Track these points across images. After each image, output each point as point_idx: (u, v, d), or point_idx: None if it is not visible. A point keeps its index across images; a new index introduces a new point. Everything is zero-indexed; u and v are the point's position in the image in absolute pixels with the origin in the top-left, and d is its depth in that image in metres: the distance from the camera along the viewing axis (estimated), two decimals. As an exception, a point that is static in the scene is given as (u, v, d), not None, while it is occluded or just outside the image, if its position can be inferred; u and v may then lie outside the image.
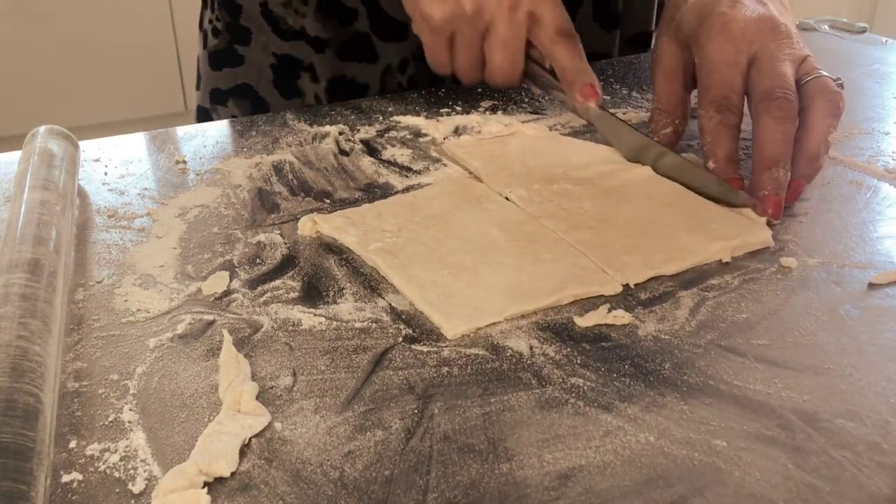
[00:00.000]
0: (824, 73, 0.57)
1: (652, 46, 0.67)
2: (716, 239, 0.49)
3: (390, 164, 0.61)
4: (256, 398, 0.37)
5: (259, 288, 0.46)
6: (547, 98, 0.71)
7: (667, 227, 0.51)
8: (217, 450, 0.34)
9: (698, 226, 0.51)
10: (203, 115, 0.85)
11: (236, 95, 0.81)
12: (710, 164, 0.55)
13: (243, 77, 0.81)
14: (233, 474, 0.33)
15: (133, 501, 0.32)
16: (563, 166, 0.59)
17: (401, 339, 0.42)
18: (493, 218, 0.52)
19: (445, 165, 0.60)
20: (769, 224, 0.51)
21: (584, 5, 0.80)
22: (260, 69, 0.80)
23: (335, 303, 0.45)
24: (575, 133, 0.66)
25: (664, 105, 0.61)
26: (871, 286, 0.46)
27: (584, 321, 0.43)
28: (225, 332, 0.41)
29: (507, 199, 0.54)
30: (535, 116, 0.69)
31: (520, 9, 0.61)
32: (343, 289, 0.46)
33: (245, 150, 0.63)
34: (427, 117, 0.68)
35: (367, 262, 0.48)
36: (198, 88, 0.86)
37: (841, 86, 0.57)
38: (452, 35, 0.64)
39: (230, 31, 0.80)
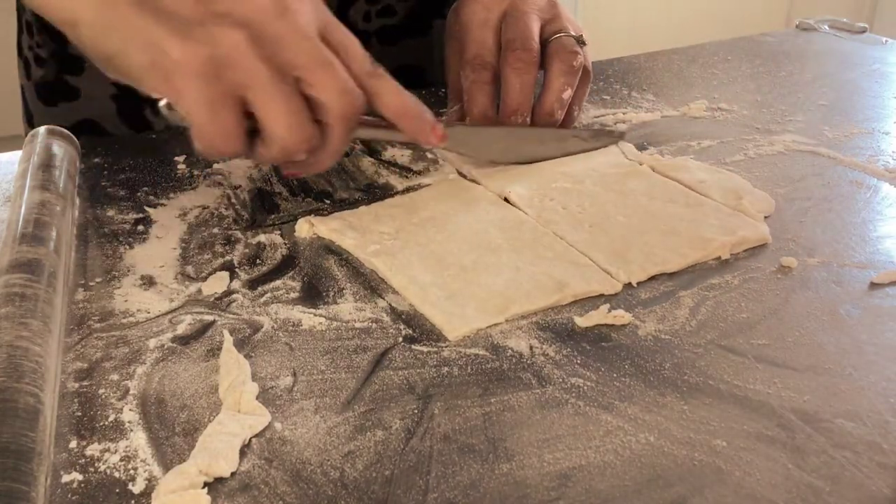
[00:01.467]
0: (570, 32, 0.59)
1: None
2: (714, 236, 0.49)
3: (390, 164, 0.61)
4: (256, 398, 0.37)
5: (259, 288, 0.46)
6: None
7: (665, 225, 0.51)
8: (217, 450, 0.34)
9: (697, 224, 0.51)
10: None
11: (83, 133, 0.67)
12: (467, 121, 0.58)
13: (84, 112, 0.72)
14: (233, 474, 0.33)
15: (133, 501, 0.32)
16: (560, 165, 0.59)
17: (401, 339, 0.42)
18: (491, 219, 0.52)
19: (444, 166, 0.60)
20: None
21: (397, 15, 0.76)
22: (101, 102, 0.71)
23: (335, 303, 0.45)
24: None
25: (449, 91, 0.64)
26: (872, 286, 0.46)
27: (585, 321, 0.43)
28: (225, 333, 0.41)
29: (505, 199, 0.54)
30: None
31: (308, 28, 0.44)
32: (343, 289, 0.46)
33: (245, 150, 0.63)
34: (427, 117, 0.68)
35: (366, 264, 0.48)
36: (30, 125, 0.76)
37: (581, 42, 0.59)
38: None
39: (57, 61, 0.71)
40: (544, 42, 0.58)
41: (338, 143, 0.46)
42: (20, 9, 0.73)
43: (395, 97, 0.48)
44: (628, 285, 0.46)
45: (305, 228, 0.51)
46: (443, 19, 0.74)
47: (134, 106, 0.72)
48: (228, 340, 0.41)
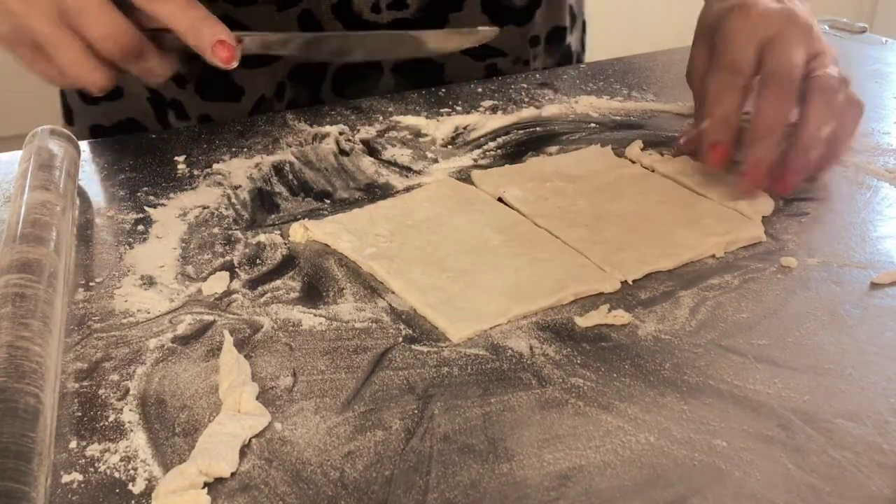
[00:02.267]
0: (832, 72, 0.55)
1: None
2: (709, 234, 0.50)
3: (390, 164, 0.61)
4: (256, 398, 0.37)
5: (259, 288, 0.46)
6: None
7: (660, 223, 0.51)
8: (217, 450, 0.34)
9: (691, 221, 0.51)
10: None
11: (123, 131, 0.74)
12: (704, 124, 0.55)
13: (126, 111, 0.74)
14: (233, 474, 0.33)
15: (133, 501, 0.32)
16: (554, 164, 0.59)
17: (401, 339, 0.42)
18: (486, 219, 0.52)
19: (441, 165, 0.60)
20: (765, 220, 0.52)
21: (410, 8, 0.74)
22: (141, 103, 0.74)
23: (335, 303, 0.45)
24: (573, 136, 0.66)
25: (694, 96, 0.61)
26: (872, 286, 0.46)
27: (585, 321, 0.43)
28: (226, 333, 0.41)
29: (499, 199, 0.54)
30: (535, 113, 0.69)
31: None
32: (343, 289, 0.46)
33: (245, 150, 0.63)
34: (427, 117, 0.68)
35: (363, 267, 0.48)
36: (70, 123, 0.78)
37: (846, 84, 0.56)
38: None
39: None
40: (806, 77, 0.55)
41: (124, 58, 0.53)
42: None
43: (175, 18, 0.53)
44: (628, 285, 0.46)
45: (300, 233, 0.51)
46: (459, 12, 0.75)
47: (160, 111, 0.74)
48: (229, 341, 0.41)
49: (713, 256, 0.49)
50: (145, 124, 0.75)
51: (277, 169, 0.60)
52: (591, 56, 0.88)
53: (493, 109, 0.70)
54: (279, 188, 0.57)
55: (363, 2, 0.72)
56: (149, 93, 0.73)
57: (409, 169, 0.60)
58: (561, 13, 0.83)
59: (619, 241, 0.49)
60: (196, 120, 0.74)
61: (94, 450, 0.35)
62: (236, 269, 0.48)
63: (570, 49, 0.86)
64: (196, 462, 0.33)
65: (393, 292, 0.45)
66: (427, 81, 0.77)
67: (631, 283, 0.46)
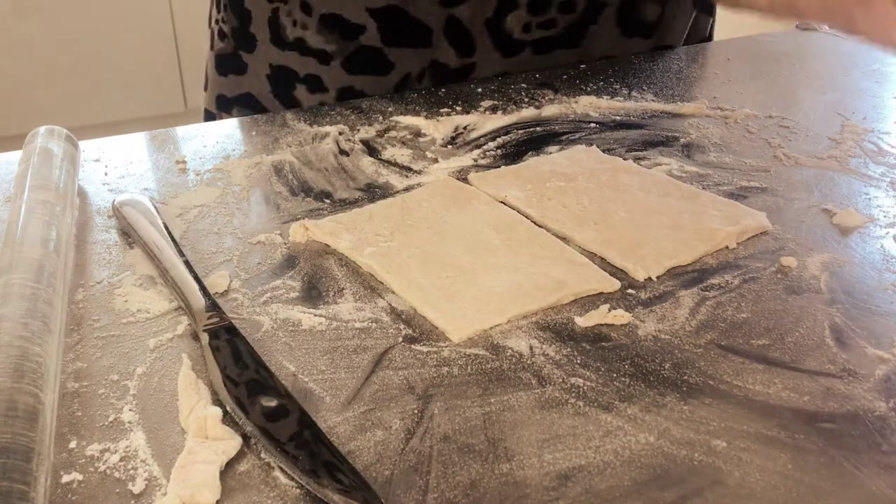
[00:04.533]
0: None
1: None
2: (719, 227, 0.50)
3: (390, 164, 0.61)
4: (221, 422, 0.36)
5: (259, 288, 0.46)
6: None
7: (669, 218, 0.51)
8: (197, 480, 0.32)
9: (699, 215, 0.52)
10: (209, 119, 0.83)
11: (241, 105, 0.80)
12: None
13: (247, 86, 0.79)
14: (232, 475, 0.33)
15: (133, 501, 0.32)
16: (549, 164, 0.59)
17: (401, 339, 0.42)
18: (486, 219, 0.52)
19: (440, 164, 0.60)
20: None
21: (608, 7, 0.78)
22: (260, 78, 0.78)
23: (335, 303, 0.45)
24: (570, 137, 0.66)
25: None
26: (872, 286, 0.46)
27: (585, 321, 0.43)
28: (184, 356, 0.40)
29: (501, 202, 0.54)
30: (535, 113, 0.69)
31: None
32: (343, 289, 0.46)
33: (245, 150, 0.63)
34: (427, 117, 0.68)
35: (363, 267, 0.48)
36: (205, 90, 0.84)
37: None
38: None
39: (236, 37, 0.78)
40: None
41: None
42: None
43: None
44: (626, 285, 0.46)
45: (300, 233, 0.51)
46: (595, 25, 0.77)
47: (285, 86, 0.77)
48: (187, 364, 0.39)
49: (726, 248, 0.49)
50: (261, 100, 0.78)
51: (277, 169, 0.60)
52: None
53: (493, 109, 0.70)
54: (279, 188, 0.57)
55: (516, 22, 0.75)
56: (270, 70, 0.77)
57: (408, 169, 0.60)
58: (674, 35, 0.85)
59: (631, 239, 0.49)
60: (335, 92, 0.76)
61: (94, 450, 0.35)
62: (236, 269, 0.48)
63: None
64: (179, 495, 0.32)
65: (393, 292, 0.45)
66: None
67: (655, 279, 0.46)
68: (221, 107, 0.81)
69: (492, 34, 0.75)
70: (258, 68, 0.78)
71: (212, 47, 0.82)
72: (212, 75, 0.82)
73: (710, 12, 0.89)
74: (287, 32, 0.75)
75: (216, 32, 0.81)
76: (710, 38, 0.92)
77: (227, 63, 0.80)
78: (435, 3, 0.73)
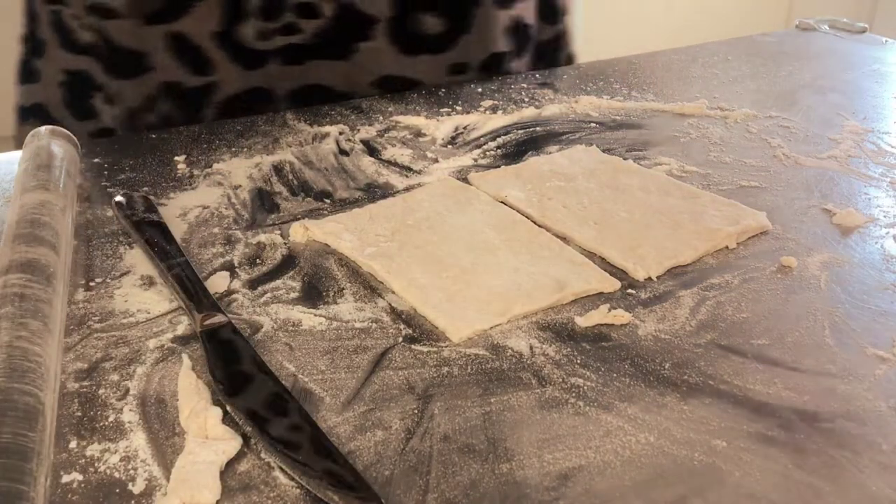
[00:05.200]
0: None
1: None
2: (720, 226, 0.50)
3: (391, 163, 0.61)
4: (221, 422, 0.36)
5: (259, 288, 0.46)
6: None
7: (668, 218, 0.51)
8: (196, 480, 0.32)
9: (698, 215, 0.52)
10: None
11: (34, 116, 0.73)
12: None
13: (38, 96, 0.73)
14: (232, 475, 0.33)
15: (133, 501, 0.32)
16: (548, 164, 0.59)
17: (401, 339, 0.42)
18: (486, 219, 0.52)
19: (441, 164, 0.60)
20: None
21: (379, 22, 0.71)
22: (52, 88, 0.72)
23: (335, 303, 0.45)
24: (570, 135, 0.66)
25: None
26: (872, 286, 0.46)
27: (585, 321, 0.43)
28: (184, 356, 0.40)
29: (501, 202, 0.54)
30: (535, 113, 0.69)
31: None
32: (343, 289, 0.46)
33: (245, 150, 0.63)
34: (427, 117, 0.68)
35: (363, 267, 0.48)
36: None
37: None
38: None
39: (28, 42, 0.72)
40: None
41: None
42: None
43: None
44: (627, 284, 0.46)
45: (300, 233, 0.51)
46: (367, 41, 0.71)
47: (82, 94, 0.71)
48: (187, 365, 0.39)
49: (726, 248, 0.49)
50: (51, 110, 0.72)
51: (277, 169, 0.60)
52: (591, 56, 0.88)
53: (493, 109, 0.70)
54: (279, 188, 0.57)
55: (249, 30, 0.69)
56: (65, 76, 0.71)
57: (409, 169, 0.60)
58: (497, 40, 0.77)
59: (632, 238, 0.49)
60: (125, 111, 0.71)
61: (94, 450, 0.35)
62: (236, 269, 0.48)
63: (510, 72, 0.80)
64: (178, 494, 0.32)
65: (393, 292, 0.45)
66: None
67: (655, 279, 0.46)
68: (21, 117, 0.75)
69: (226, 48, 0.69)
70: (50, 77, 0.72)
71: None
72: (16, 86, 0.76)
73: (554, 19, 0.83)
74: (77, 35, 0.70)
75: (21, 38, 0.75)
76: (567, 59, 0.85)
77: (23, 72, 0.74)
78: (141, 24, 0.68)
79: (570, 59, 0.86)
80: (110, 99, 0.71)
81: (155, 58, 0.69)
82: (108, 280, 0.47)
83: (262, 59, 0.71)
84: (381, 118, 0.68)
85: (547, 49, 0.83)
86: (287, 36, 0.70)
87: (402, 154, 0.62)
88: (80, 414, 0.37)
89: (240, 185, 0.57)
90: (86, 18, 0.68)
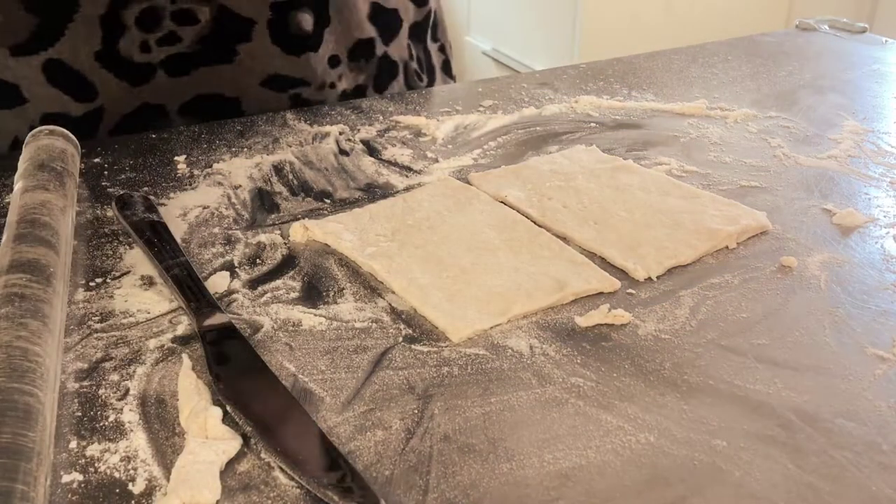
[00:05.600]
0: None
1: None
2: (720, 226, 0.50)
3: (391, 163, 0.61)
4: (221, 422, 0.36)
5: (259, 288, 0.46)
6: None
7: (668, 218, 0.51)
8: (196, 480, 0.32)
9: (698, 215, 0.52)
10: None
11: None
12: None
13: None
14: (232, 475, 0.33)
15: (133, 501, 0.32)
16: (548, 164, 0.59)
17: (401, 339, 0.42)
18: (486, 219, 0.52)
19: (441, 164, 0.60)
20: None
21: (257, 24, 0.70)
22: None
23: (335, 303, 0.45)
24: (571, 134, 0.66)
25: None
26: (872, 286, 0.46)
27: (585, 321, 0.43)
28: (184, 356, 0.40)
29: (501, 202, 0.54)
30: (535, 113, 0.69)
31: None
32: (343, 289, 0.46)
33: (245, 150, 0.63)
34: (427, 117, 0.68)
35: (363, 267, 0.48)
36: None
37: None
38: None
39: None
40: None
41: None
42: None
43: None
44: (627, 284, 0.46)
45: (300, 233, 0.51)
46: (249, 42, 0.69)
47: None
48: (187, 365, 0.39)
49: (726, 247, 0.49)
50: None
51: (277, 169, 0.60)
52: (591, 56, 0.88)
53: (493, 109, 0.70)
54: (279, 188, 0.57)
55: (131, 44, 0.66)
56: None
57: (409, 168, 0.60)
58: (361, 26, 0.76)
59: (632, 238, 0.49)
60: None
61: (94, 450, 0.35)
62: (236, 269, 0.48)
63: (391, 58, 0.80)
64: (178, 494, 0.32)
65: (393, 292, 0.45)
66: (225, 117, 0.71)
67: (655, 279, 0.46)
68: None
69: (108, 66, 0.66)
70: None
71: None
72: None
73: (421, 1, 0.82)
74: None
75: None
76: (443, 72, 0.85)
77: None
78: (6, 55, 0.64)
79: (445, 39, 0.85)
80: None
81: (29, 90, 0.65)
82: (108, 280, 0.47)
83: (149, 73, 0.68)
84: (381, 118, 0.68)
85: (419, 30, 0.83)
86: (169, 46, 0.68)
87: (402, 154, 0.62)
88: (80, 414, 0.37)
89: (240, 185, 0.57)
90: None
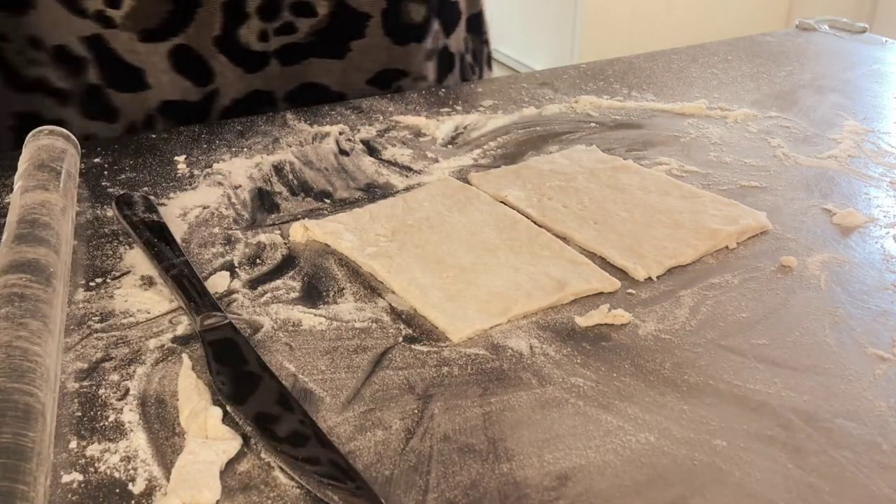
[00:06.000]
0: None
1: None
2: (720, 227, 0.50)
3: (391, 163, 0.61)
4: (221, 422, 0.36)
5: (259, 288, 0.46)
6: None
7: (668, 218, 0.51)
8: (196, 480, 0.32)
9: (699, 215, 0.52)
10: None
11: None
12: None
13: None
14: (232, 475, 0.33)
15: (133, 501, 0.32)
16: (549, 164, 0.59)
17: (401, 339, 0.42)
18: (486, 219, 0.52)
19: (441, 164, 0.60)
20: None
21: (372, 18, 0.73)
22: (2, 133, 0.69)
23: (335, 303, 0.45)
24: (571, 133, 0.66)
25: None
26: (872, 286, 0.46)
27: (585, 321, 0.43)
28: (184, 356, 0.40)
29: (502, 202, 0.54)
30: (535, 113, 0.69)
31: None
32: (343, 289, 0.46)
33: (245, 150, 0.63)
34: (427, 117, 0.68)
35: (363, 266, 0.48)
36: None
37: None
38: None
39: None
40: None
41: None
42: None
43: None
44: (627, 284, 0.46)
45: (300, 233, 0.51)
46: (362, 39, 0.72)
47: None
48: (187, 365, 0.39)
49: (726, 247, 0.49)
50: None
51: (277, 169, 0.60)
52: (591, 56, 0.88)
53: (493, 109, 0.70)
54: (279, 188, 0.57)
55: (250, 32, 0.69)
56: (13, 120, 0.68)
57: (409, 168, 0.60)
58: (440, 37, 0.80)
59: (632, 238, 0.49)
60: (81, 141, 0.68)
61: (94, 450, 0.35)
62: (236, 269, 0.48)
63: (449, 50, 0.82)
64: (178, 494, 0.32)
65: (393, 292, 0.45)
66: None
67: (655, 279, 0.46)
68: None
69: (227, 52, 0.69)
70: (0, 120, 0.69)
71: None
72: None
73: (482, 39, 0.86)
74: (24, 73, 0.67)
75: None
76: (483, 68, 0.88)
77: None
78: (135, 41, 0.66)
79: (489, 32, 0.88)
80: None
81: (153, 76, 0.68)
82: (108, 280, 0.47)
83: (263, 61, 0.71)
84: (381, 118, 0.68)
85: (475, 24, 0.85)
86: (285, 36, 0.70)
87: (403, 154, 0.62)
88: (80, 414, 0.37)
89: (240, 185, 0.57)
90: (29, 52, 0.66)
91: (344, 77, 0.74)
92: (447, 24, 0.81)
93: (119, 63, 0.67)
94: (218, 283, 0.46)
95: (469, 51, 0.85)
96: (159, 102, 0.69)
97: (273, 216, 0.54)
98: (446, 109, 0.70)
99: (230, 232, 0.52)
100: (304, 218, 0.53)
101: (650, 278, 0.46)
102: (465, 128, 0.67)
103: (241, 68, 0.70)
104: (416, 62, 0.77)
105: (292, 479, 0.33)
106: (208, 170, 0.60)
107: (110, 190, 0.57)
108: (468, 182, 0.57)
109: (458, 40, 0.83)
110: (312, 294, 0.45)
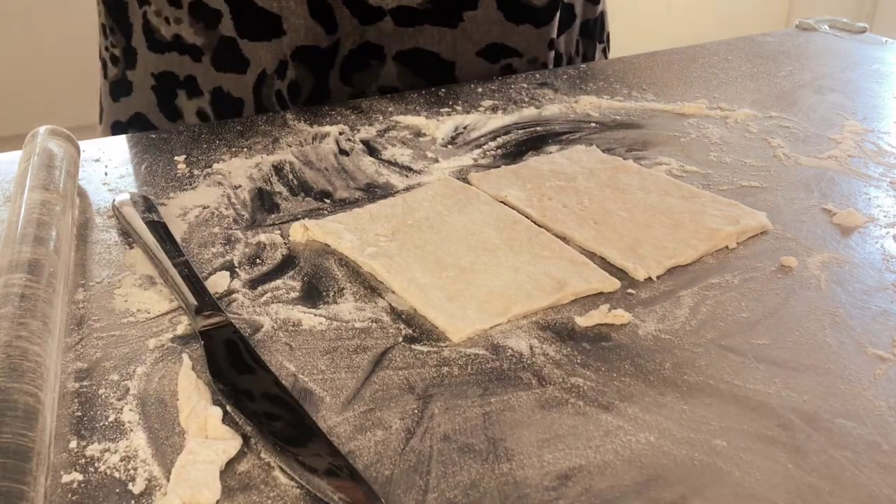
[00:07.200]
0: None
1: None
2: (720, 226, 0.50)
3: (391, 163, 0.61)
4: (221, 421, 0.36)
5: (259, 288, 0.46)
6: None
7: (668, 218, 0.51)
8: (196, 479, 0.32)
9: (698, 215, 0.52)
10: None
11: (134, 128, 0.77)
12: None
13: (135, 106, 0.76)
14: (232, 475, 0.33)
15: (133, 501, 0.32)
16: (549, 163, 0.59)
17: (401, 339, 0.42)
18: (486, 219, 0.52)
19: (440, 164, 0.60)
20: None
21: None
22: (146, 93, 0.75)
23: (335, 303, 0.45)
24: (572, 133, 0.66)
25: None
26: (872, 286, 0.46)
27: (585, 321, 0.43)
28: (184, 356, 0.40)
29: (502, 202, 0.54)
30: (535, 113, 0.69)
31: None
32: (343, 289, 0.46)
33: (245, 150, 0.63)
34: (427, 117, 0.68)
35: (363, 266, 0.48)
36: (100, 122, 0.81)
37: None
38: None
39: (125, 56, 0.75)
40: None
41: None
42: (99, 14, 0.78)
43: None
44: (627, 284, 0.46)
45: (300, 233, 0.51)
46: (474, 10, 0.75)
47: (168, 95, 0.74)
48: (187, 365, 0.39)
49: (726, 247, 0.49)
50: (149, 117, 0.76)
51: (277, 169, 0.60)
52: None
53: (493, 109, 0.70)
54: (279, 188, 0.57)
55: None
56: (154, 80, 0.74)
57: (409, 168, 0.60)
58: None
59: (632, 238, 0.49)
60: (209, 95, 0.73)
61: (94, 450, 0.35)
62: (236, 269, 0.48)
63: (558, 50, 0.84)
64: (178, 494, 0.32)
65: (393, 292, 0.45)
66: (436, 78, 0.77)
67: (655, 279, 0.46)
68: (117, 133, 0.77)
69: (348, 3, 0.72)
70: (143, 83, 0.75)
71: (105, 77, 0.79)
72: (106, 104, 0.79)
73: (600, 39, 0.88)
74: (162, 32, 0.72)
75: (108, 60, 0.78)
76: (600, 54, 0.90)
77: (117, 88, 0.77)
78: None
79: (608, 39, 0.90)
80: (193, 93, 0.74)
81: (289, 22, 0.70)
82: (108, 280, 0.47)
83: (378, 16, 0.73)
84: (381, 118, 0.68)
85: (590, 29, 0.87)
86: None
87: (402, 154, 0.62)
88: (80, 414, 0.37)
89: (240, 185, 0.57)
90: (167, 10, 0.71)
91: (454, 47, 0.76)
92: (561, 24, 0.82)
93: (256, 11, 0.70)
94: (218, 283, 0.46)
95: (580, 55, 0.87)
96: (294, 48, 0.72)
97: (273, 216, 0.54)
98: (446, 109, 0.70)
99: (230, 232, 0.52)
100: (304, 218, 0.53)
101: (650, 278, 0.46)
102: (464, 128, 0.67)
103: (356, 19, 0.73)
104: (535, 46, 0.79)
105: (292, 479, 0.33)
106: (208, 170, 0.60)
107: (110, 190, 0.57)
108: (468, 182, 0.57)
109: (569, 42, 0.85)
110: (312, 294, 0.45)
